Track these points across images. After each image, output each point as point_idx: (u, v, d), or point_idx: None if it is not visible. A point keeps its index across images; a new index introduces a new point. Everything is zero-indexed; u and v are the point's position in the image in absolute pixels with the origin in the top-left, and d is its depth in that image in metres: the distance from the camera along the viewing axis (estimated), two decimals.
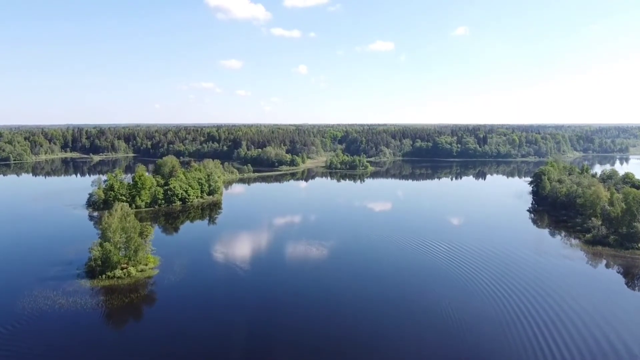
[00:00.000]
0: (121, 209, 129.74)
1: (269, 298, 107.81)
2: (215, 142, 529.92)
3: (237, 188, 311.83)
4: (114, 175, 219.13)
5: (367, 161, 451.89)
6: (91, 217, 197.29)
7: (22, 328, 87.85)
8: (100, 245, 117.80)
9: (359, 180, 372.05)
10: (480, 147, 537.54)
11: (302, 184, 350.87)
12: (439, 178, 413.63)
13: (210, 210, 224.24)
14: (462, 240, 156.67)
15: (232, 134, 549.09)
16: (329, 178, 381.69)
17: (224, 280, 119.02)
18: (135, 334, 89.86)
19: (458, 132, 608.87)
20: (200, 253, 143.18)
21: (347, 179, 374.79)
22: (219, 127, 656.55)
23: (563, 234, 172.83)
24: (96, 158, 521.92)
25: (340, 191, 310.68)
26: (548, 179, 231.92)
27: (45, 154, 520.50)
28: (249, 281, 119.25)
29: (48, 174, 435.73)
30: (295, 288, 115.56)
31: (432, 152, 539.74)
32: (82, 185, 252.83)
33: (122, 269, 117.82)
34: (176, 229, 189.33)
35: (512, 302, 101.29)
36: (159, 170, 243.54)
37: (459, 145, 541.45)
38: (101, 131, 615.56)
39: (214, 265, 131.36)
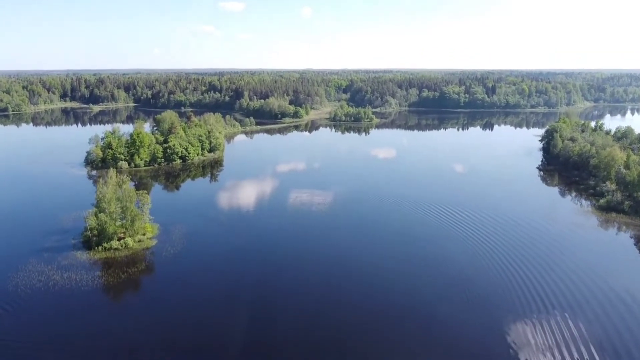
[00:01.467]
0: (116, 176, 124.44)
1: (270, 265, 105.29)
2: (216, 92, 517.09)
3: (239, 142, 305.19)
4: (111, 132, 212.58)
5: (373, 112, 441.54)
6: (90, 177, 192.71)
7: (14, 310, 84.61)
8: (96, 215, 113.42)
9: (364, 133, 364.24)
10: (488, 97, 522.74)
11: (306, 137, 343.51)
12: (445, 129, 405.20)
13: (212, 167, 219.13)
14: (466, 201, 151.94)
15: (234, 83, 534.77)
16: (333, 130, 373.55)
17: (223, 248, 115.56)
18: (132, 312, 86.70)
19: (466, 81, 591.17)
20: (200, 218, 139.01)
21: (352, 132, 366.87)
22: (220, 77, 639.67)
23: (574, 196, 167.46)
24: (96, 108, 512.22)
25: (344, 144, 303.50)
26: (560, 137, 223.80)
27: (45, 103, 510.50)
28: (249, 247, 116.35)
29: (48, 124, 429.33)
30: (298, 252, 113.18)
31: (439, 103, 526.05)
32: (82, 137, 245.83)
33: (118, 239, 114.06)
34: (177, 187, 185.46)
35: (522, 272, 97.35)
36: (158, 126, 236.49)
37: (467, 96, 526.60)
38: (100, 80, 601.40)
39: (214, 232, 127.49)
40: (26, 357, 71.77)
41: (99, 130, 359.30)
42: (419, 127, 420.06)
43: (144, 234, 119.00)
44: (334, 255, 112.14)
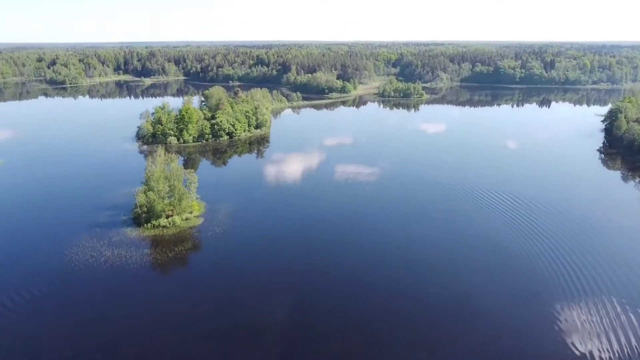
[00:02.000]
0: (164, 154, 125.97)
1: (313, 244, 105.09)
2: (264, 66, 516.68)
3: (286, 118, 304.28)
4: (161, 107, 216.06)
5: (423, 87, 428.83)
6: (141, 152, 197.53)
7: (67, 286, 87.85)
8: (145, 193, 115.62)
9: (413, 109, 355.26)
10: (546, 72, 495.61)
11: (353, 112, 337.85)
12: (499, 105, 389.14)
13: (258, 144, 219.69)
14: (518, 185, 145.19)
15: (282, 57, 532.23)
16: (380, 106, 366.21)
17: (267, 228, 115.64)
18: (178, 291, 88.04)
19: (522, 54, 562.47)
20: (245, 196, 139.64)
21: (400, 108, 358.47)
22: (268, 50, 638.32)
23: (638, 182, 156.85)
24: (147, 81, 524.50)
25: (391, 120, 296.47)
26: (625, 117, 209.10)
27: (99, 76, 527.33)
28: (293, 226, 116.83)
29: (103, 96, 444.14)
30: (342, 230, 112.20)
31: (493, 78, 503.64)
32: (135, 110, 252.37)
33: (166, 217, 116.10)
34: (224, 163, 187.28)
35: (577, 260, 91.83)
36: (206, 101, 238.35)
37: (523, 71, 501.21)
38: (152, 53, 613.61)
39: (258, 211, 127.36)
40: (78, 332, 74.27)
41: (151, 103, 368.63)
42: (470, 103, 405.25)
43: (190, 212, 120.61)
44: (377, 234, 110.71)
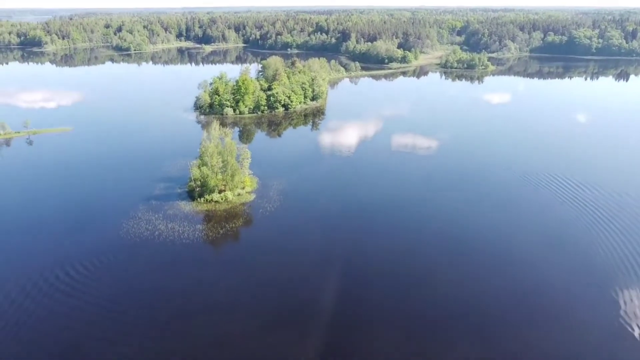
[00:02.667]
0: (219, 128, 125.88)
1: (368, 229, 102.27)
2: (323, 34, 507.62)
3: (343, 88, 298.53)
4: (219, 77, 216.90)
5: (489, 57, 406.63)
6: (198, 122, 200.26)
7: (124, 259, 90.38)
8: (199, 167, 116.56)
9: (477, 81, 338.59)
10: (627, 42, 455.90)
11: (413, 84, 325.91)
12: (571, 78, 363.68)
13: (313, 116, 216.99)
14: (586, 170, 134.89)
15: (342, 24, 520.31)
16: (442, 77, 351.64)
17: (319, 206, 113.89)
18: (228, 268, 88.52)
19: (601, 23, 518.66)
20: (297, 172, 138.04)
21: (464, 80, 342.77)
22: (328, 16, 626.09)
23: None
24: (208, 48, 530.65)
25: (453, 92, 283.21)
26: None
27: (162, 43, 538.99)
28: (344, 205, 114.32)
29: (166, 62, 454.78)
30: (400, 217, 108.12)
31: (566, 49, 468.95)
32: (195, 78, 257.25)
33: (219, 192, 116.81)
34: (279, 134, 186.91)
35: None
36: (264, 71, 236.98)
37: (600, 41, 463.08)
38: (213, 20, 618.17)
39: (310, 189, 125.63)
40: (132, 305, 76.32)
41: (210, 70, 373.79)
42: (540, 75, 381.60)
43: (243, 188, 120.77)
44: (434, 217, 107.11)
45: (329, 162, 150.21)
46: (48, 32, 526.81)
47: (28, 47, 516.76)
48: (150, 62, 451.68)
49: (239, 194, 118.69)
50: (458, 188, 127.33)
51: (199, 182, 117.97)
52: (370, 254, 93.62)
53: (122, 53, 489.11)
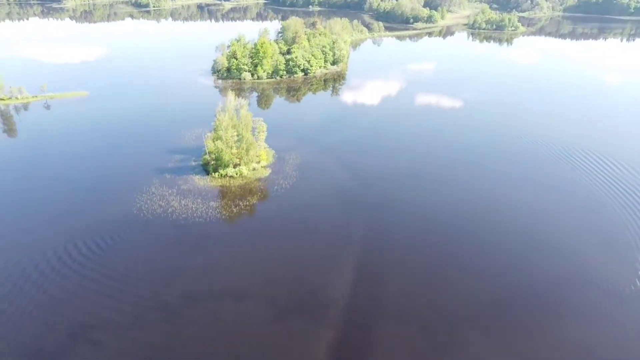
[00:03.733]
0: (235, 98, 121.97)
1: (387, 208, 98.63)
2: None
3: (365, 50, 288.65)
4: (237, 40, 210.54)
5: (519, 17, 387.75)
6: (215, 86, 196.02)
7: (136, 237, 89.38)
8: (213, 141, 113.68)
9: (506, 43, 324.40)
10: None
11: (439, 45, 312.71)
12: (605, 39, 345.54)
13: (334, 81, 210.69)
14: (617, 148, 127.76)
15: None
16: (470, 39, 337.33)
17: (339, 184, 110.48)
18: (239, 250, 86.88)
19: None
20: (314, 144, 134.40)
21: (492, 41, 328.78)
22: None
23: None
24: (227, 5, 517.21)
25: (480, 53, 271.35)
26: None
27: None
28: (361, 179, 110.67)
29: (185, 19, 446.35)
30: (421, 194, 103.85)
31: (602, 8, 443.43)
32: (214, 36, 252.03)
33: (234, 166, 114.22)
34: (298, 100, 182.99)
35: None
36: (283, 33, 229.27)
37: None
38: None
39: (327, 163, 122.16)
40: (143, 287, 75.57)
41: (230, 27, 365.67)
42: (572, 36, 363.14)
43: (258, 162, 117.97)
44: (456, 191, 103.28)
45: (348, 132, 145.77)
46: None
47: (47, 2, 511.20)
48: (170, 19, 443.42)
49: (254, 169, 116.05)
50: (485, 162, 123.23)
51: (213, 156, 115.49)
52: (391, 232, 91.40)
53: (141, 10, 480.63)
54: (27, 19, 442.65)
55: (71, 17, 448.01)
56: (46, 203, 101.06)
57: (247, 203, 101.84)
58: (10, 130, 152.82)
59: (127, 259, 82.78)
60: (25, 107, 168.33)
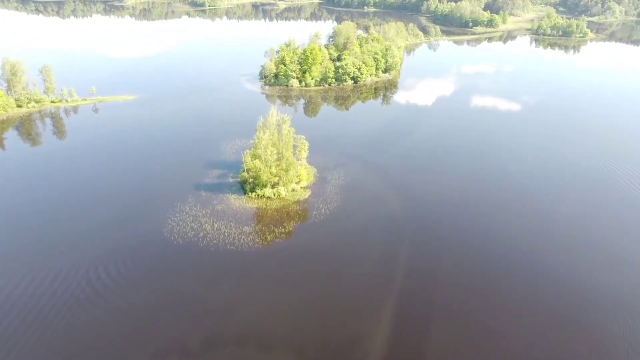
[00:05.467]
0: (277, 113, 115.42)
1: (437, 234, 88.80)
2: None
3: (420, 56, 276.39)
4: (286, 45, 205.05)
5: (588, 22, 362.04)
6: (262, 92, 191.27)
7: (168, 259, 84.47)
8: (252, 159, 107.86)
9: (572, 50, 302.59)
10: None
11: (500, 54, 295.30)
12: None
13: (385, 89, 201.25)
14: None
15: None
16: (533, 45, 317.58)
17: (384, 213, 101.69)
18: (271, 282, 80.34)
19: None
20: (362, 160, 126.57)
21: (557, 48, 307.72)
22: None
23: None
24: (281, 5, 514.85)
25: (545, 60, 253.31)
26: None
27: None
28: (414, 213, 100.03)
29: (240, 18, 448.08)
30: (478, 223, 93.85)
31: None
32: (267, 37, 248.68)
33: (272, 186, 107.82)
34: (346, 108, 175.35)
35: None
36: (334, 37, 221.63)
37: None
38: None
39: (373, 185, 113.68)
40: (163, 324, 70.27)
41: (283, 27, 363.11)
42: None
43: (298, 182, 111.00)
44: (518, 209, 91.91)
45: (398, 148, 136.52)
46: None
47: (109, 0, 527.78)
48: (225, 18, 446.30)
49: (293, 190, 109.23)
50: (554, 187, 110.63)
51: (251, 174, 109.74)
52: (440, 266, 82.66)
53: (197, 8, 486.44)
54: (91, 15, 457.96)
55: (131, 15, 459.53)
56: (79, 214, 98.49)
57: (283, 230, 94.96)
58: (59, 132, 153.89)
59: (148, 288, 77.94)
60: (75, 109, 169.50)
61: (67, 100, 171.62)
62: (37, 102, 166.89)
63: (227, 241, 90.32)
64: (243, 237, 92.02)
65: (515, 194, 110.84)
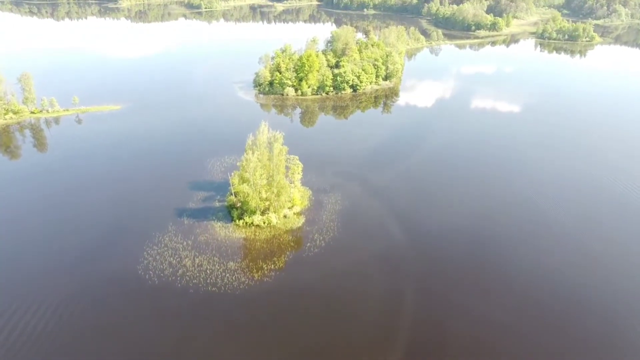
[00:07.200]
0: (267, 130, 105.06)
1: (446, 269, 78.51)
2: None
3: (422, 61, 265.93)
4: (282, 50, 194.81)
5: (593, 25, 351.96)
6: (256, 101, 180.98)
7: (138, 302, 74.06)
8: (239, 182, 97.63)
9: (579, 55, 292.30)
10: None
11: (504, 58, 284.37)
12: None
13: (385, 98, 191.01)
14: None
15: None
16: (538, 49, 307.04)
17: (386, 243, 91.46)
18: (255, 331, 70.23)
19: None
20: (362, 180, 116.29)
21: (562, 53, 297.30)
22: None
23: None
24: (279, 7, 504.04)
25: (551, 65, 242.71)
26: None
27: (234, 0, 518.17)
28: (419, 244, 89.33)
29: (237, 20, 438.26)
30: (493, 259, 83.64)
31: None
32: (265, 40, 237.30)
33: (262, 212, 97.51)
34: (345, 117, 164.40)
35: None
36: (332, 42, 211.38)
37: None
38: None
39: (374, 210, 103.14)
40: None
41: (280, 30, 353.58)
42: None
43: (290, 208, 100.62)
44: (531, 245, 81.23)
45: (401, 165, 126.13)
46: None
47: (104, 2, 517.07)
48: (222, 20, 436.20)
49: (285, 216, 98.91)
50: (572, 217, 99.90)
51: (239, 197, 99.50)
52: (450, 310, 72.32)
53: (193, 10, 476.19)
54: (86, 18, 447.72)
55: (126, 17, 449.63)
56: (44, 248, 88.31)
57: (273, 266, 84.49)
58: (40, 145, 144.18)
59: (112, 343, 67.55)
60: (57, 120, 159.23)
61: (47, 111, 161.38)
62: (15, 113, 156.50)
63: (208, 280, 79.93)
64: (227, 275, 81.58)
65: (536, 223, 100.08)
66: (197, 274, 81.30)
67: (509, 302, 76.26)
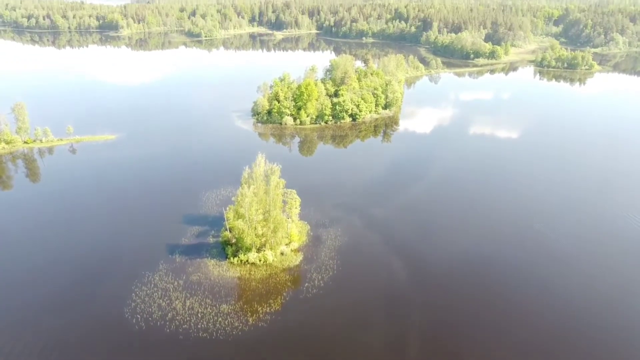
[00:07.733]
0: (264, 162, 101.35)
1: (454, 310, 73.19)
2: (402, 22, 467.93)
3: (421, 89, 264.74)
4: (280, 79, 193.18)
5: (592, 52, 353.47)
6: (254, 130, 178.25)
7: (122, 352, 69.01)
8: (234, 217, 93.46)
9: (578, 83, 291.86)
10: None
11: (505, 87, 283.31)
12: None
13: (385, 126, 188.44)
14: None
15: (423, 11, 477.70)
16: (537, 77, 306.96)
17: (387, 283, 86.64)
18: None
19: None
20: (363, 214, 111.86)
21: (562, 81, 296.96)
22: (408, 2, 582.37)
23: None
24: (279, 35, 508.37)
25: (550, 95, 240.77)
26: None
27: (234, 28, 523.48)
28: (421, 289, 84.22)
29: (237, 48, 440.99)
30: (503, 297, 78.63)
31: None
32: (264, 68, 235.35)
33: (258, 249, 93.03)
34: (344, 147, 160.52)
35: None
36: (331, 71, 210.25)
37: None
38: (286, 4, 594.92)
39: (374, 247, 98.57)
40: None
41: (280, 59, 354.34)
42: None
43: (287, 244, 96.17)
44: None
45: (402, 197, 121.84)
46: (125, 15, 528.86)
47: (105, 30, 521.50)
48: (222, 48, 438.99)
49: (282, 253, 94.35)
50: (585, 254, 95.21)
51: (234, 233, 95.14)
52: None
53: (194, 39, 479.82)
54: (87, 46, 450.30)
55: (127, 45, 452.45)
56: (27, 289, 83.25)
57: (268, 309, 79.50)
58: (32, 175, 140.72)
59: None
60: (50, 150, 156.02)
61: (41, 141, 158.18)
62: (7, 143, 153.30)
63: (200, 325, 74.88)
64: (220, 319, 76.58)
65: (541, 255, 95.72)
66: (188, 318, 76.32)
67: (517, 336, 71.17)
